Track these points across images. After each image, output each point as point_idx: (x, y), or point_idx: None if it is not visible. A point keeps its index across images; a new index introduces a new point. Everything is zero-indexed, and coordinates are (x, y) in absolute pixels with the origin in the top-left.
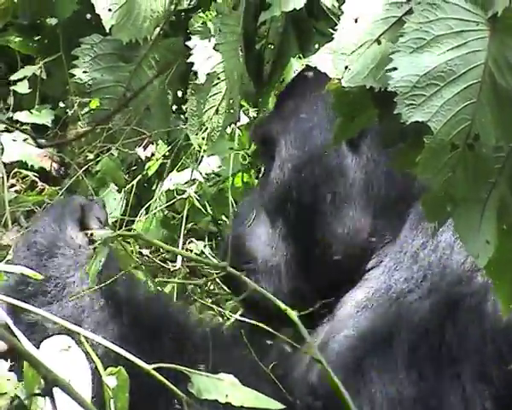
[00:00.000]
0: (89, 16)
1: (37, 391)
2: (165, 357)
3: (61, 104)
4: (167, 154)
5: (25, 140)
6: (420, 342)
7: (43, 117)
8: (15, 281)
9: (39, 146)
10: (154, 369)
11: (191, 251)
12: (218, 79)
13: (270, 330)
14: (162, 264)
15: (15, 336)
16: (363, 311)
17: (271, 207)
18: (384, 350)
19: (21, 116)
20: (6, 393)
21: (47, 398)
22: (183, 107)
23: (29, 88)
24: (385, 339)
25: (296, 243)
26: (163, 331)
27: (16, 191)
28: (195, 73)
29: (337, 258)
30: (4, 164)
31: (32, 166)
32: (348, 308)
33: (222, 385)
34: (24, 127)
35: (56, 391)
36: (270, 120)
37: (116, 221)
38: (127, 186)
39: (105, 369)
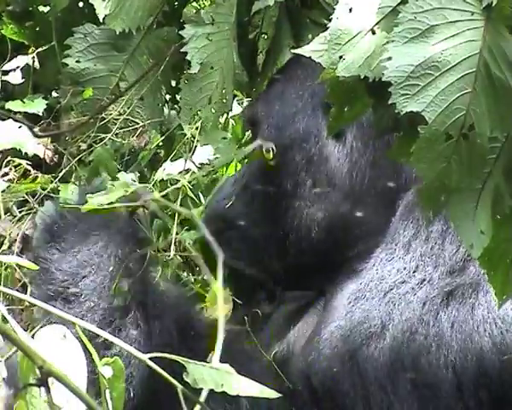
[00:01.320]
0: (81, 5)
1: (32, 381)
2: (167, 341)
3: (54, 94)
4: (161, 144)
5: (19, 128)
6: (413, 332)
7: (36, 106)
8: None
9: (35, 135)
10: (151, 358)
11: (184, 241)
12: (212, 68)
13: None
14: (155, 253)
15: (11, 327)
16: (355, 302)
17: (252, 187)
18: (377, 342)
19: (13, 105)
20: None
21: (42, 388)
22: (177, 96)
23: (22, 77)
24: (378, 330)
25: (274, 226)
26: (166, 315)
27: (9, 180)
28: (189, 63)
29: (315, 243)
30: None
31: (25, 153)
32: (339, 299)
33: (217, 374)
34: (17, 116)
35: (52, 381)
36: (256, 103)
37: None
38: None
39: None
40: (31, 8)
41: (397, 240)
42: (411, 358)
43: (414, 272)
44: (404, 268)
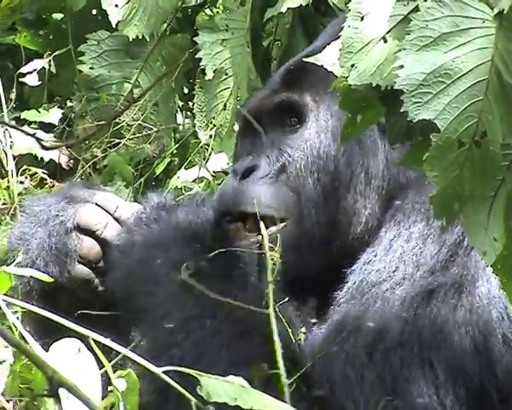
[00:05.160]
0: (94, 12)
1: (43, 392)
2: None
3: (69, 103)
4: (175, 151)
5: (34, 134)
6: (387, 328)
7: (51, 116)
8: None
9: (44, 147)
10: (164, 372)
11: None
12: (226, 74)
13: None
14: None
15: (23, 337)
16: (337, 306)
17: (297, 170)
18: (349, 337)
19: (29, 115)
20: (5, 361)
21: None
22: (190, 104)
23: (38, 80)
24: (353, 328)
25: (327, 220)
26: None
27: (25, 189)
28: (202, 70)
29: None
30: (13, 157)
31: (41, 158)
32: (328, 306)
33: (231, 388)
34: (32, 126)
35: (67, 395)
36: (297, 88)
37: None
38: (135, 184)
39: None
40: (44, 16)
41: (379, 242)
42: (382, 353)
43: (394, 271)
44: (385, 268)
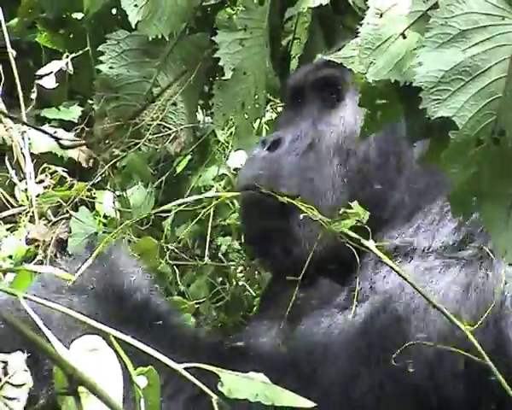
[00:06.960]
0: (114, 11)
1: (62, 390)
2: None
3: (90, 101)
4: (195, 149)
5: (54, 132)
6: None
7: (71, 114)
8: None
9: (62, 147)
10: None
11: (219, 246)
12: (244, 74)
13: None
14: (190, 260)
15: (43, 334)
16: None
17: (325, 148)
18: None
19: (49, 113)
20: (24, 384)
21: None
22: (210, 102)
23: (56, 82)
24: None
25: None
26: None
27: (45, 187)
28: (222, 69)
29: None
30: (34, 156)
31: (61, 156)
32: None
33: (252, 384)
34: (52, 123)
35: (88, 392)
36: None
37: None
38: (156, 182)
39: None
40: (64, 16)
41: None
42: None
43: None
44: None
